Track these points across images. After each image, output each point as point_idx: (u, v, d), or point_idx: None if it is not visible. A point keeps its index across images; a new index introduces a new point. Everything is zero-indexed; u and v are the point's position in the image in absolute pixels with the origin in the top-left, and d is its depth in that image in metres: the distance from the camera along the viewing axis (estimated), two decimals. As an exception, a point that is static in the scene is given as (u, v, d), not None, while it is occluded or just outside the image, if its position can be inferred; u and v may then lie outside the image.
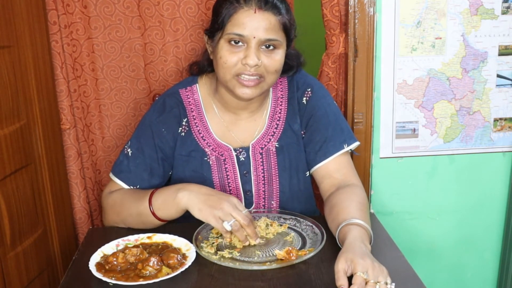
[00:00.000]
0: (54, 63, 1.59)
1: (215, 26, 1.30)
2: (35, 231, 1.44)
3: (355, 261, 1.04)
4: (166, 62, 1.74)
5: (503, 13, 1.70)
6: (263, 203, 1.45)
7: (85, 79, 1.73)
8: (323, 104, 1.44)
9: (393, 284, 1.03)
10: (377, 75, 1.72)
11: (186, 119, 1.44)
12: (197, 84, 1.47)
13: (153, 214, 1.31)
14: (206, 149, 1.42)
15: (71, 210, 1.69)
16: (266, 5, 1.25)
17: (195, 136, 1.43)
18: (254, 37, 1.25)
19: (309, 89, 1.45)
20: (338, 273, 1.05)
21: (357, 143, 1.45)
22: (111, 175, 1.45)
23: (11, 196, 1.32)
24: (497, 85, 1.77)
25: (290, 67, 1.42)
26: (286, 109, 1.45)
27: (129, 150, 1.43)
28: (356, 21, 1.65)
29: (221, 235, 1.30)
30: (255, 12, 1.25)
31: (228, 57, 1.28)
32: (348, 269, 1.06)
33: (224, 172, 1.42)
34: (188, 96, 1.45)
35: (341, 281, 1.03)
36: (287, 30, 1.30)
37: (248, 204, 1.44)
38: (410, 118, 1.77)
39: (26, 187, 1.40)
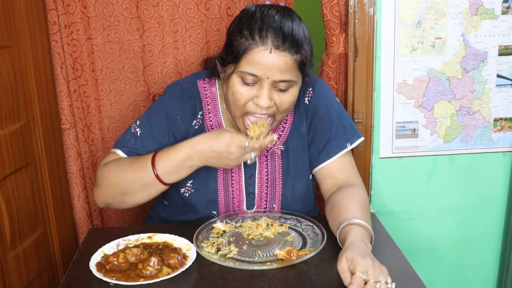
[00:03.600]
0: (54, 63, 1.59)
1: (228, 58, 1.26)
2: (35, 231, 1.44)
3: (356, 261, 1.04)
4: (165, 64, 1.74)
5: (503, 13, 1.70)
6: (265, 205, 1.44)
7: (86, 79, 1.73)
8: (324, 103, 1.43)
9: (394, 284, 1.03)
10: (377, 75, 1.72)
11: (201, 112, 1.40)
12: (216, 79, 1.42)
13: (160, 180, 1.28)
14: None
15: (71, 210, 1.69)
16: (284, 44, 1.19)
17: (207, 130, 1.40)
18: (268, 78, 1.21)
19: (310, 89, 1.43)
20: (344, 273, 1.05)
21: (360, 140, 1.44)
22: (113, 150, 1.38)
23: (11, 196, 1.32)
24: (497, 85, 1.77)
25: None
26: (293, 112, 1.43)
27: (137, 129, 1.37)
28: (356, 21, 1.65)
29: (221, 235, 1.31)
30: (270, 52, 1.19)
31: (241, 96, 1.25)
32: (349, 268, 1.06)
33: (230, 172, 1.40)
34: (206, 88, 1.42)
35: (349, 280, 1.04)
36: (304, 66, 1.25)
37: (249, 206, 1.44)
38: (410, 118, 1.77)
39: (26, 187, 1.40)
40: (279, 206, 1.44)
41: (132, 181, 1.30)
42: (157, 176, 1.28)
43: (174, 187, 1.38)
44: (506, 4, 1.69)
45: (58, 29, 1.60)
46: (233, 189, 1.42)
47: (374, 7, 1.65)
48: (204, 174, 1.39)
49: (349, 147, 1.41)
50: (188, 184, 1.40)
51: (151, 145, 1.36)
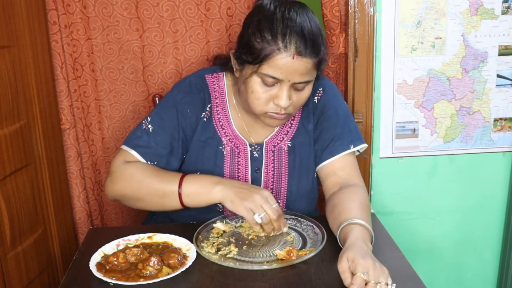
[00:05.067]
0: (54, 63, 1.59)
1: (248, 58, 1.27)
2: (35, 231, 1.44)
3: (356, 261, 1.04)
4: (165, 64, 1.74)
5: (503, 13, 1.70)
6: None
7: (86, 79, 1.73)
8: (334, 103, 1.45)
9: (394, 284, 1.03)
10: (377, 75, 1.72)
11: (209, 105, 1.42)
12: (224, 73, 1.45)
13: (180, 199, 1.30)
14: (223, 139, 1.42)
15: (71, 210, 1.69)
16: (306, 49, 1.22)
17: (214, 123, 1.42)
18: (289, 81, 1.25)
19: (320, 89, 1.46)
20: (344, 273, 1.05)
21: (364, 145, 1.45)
22: (125, 147, 1.39)
23: (11, 196, 1.32)
24: (497, 85, 1.77)
25: None
26: (301, 109, 1.45)
27: (149, 126, 1.39)
28: (356, 21, 1.65)
29: (221, 235, 1.31)
30: (293, 58, 1.22)
31: (262, 95, 1.28)
32: (350, 268, 1.06)
33: (236, 165, 1.42)
34: (214, 83, 1.44)
35: (349, 280, 1.03)
36: (320, 65, 1.30)
37: None
38: (410, 118, 1.77)
39: (26, 187, 1.40)
40: (284, 202, 1.45)
41: (155, 190, 1.33)
42: (179, 194, 1.30)
43: None
44: (506, 4, 1.69)
45: (58, 29, 1.60)
46: (239, 181, 1.42)
47: (374, 7, 1.65)
48: (211, 165, 1.41)
49: (353, 149, 1.42)
50: None
51: (164, 140, 1.38)
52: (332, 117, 1.44)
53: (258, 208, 1.23)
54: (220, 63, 1.45)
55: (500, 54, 1.74)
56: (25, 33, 1.40)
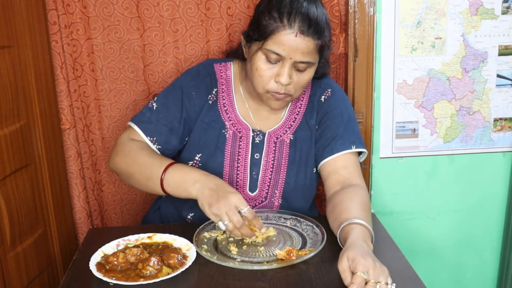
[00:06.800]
0: (54, 63, 1.59)
1: (255, 35, 1.34)
2: (35, 231, 1.44)
3: (357, 260, 1.04)
4: (165, 63, 1.74)
5: (503, 13, 1.70)
6: (267, 190, 1.46)
7: (85, 79, 1.73)
8: (339, 105, 1.48)
9: (394, 284, 1.03)
10: (377, 75, 1.72)
11: (216, 90, 1.48)
12: (231, 63, 1.52)
13: (162, 186, 1.32)
14: (226, 122, 1.46)
15: (71, 210, 1.69)
16: (309, 30, 1.28)
17: (219, 107, 1.47)
18: (291, 58, 1.30)
19: (329, 89, 1.50)
20: (344, 273, 1.06)
21: (364, 151, 1.46)
22: (130, 123, 1.45)
23: (11, 196, 1.32)
24: (497, 85, 1.77)
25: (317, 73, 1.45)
26: (306, 105, 1.49)
27: (154, 104, 1.46)
28: (356, 21, 1.65)
29: (223, 233, 1.31)
30: (296, 36, 1.28)
31: (264, 72, 1.33)
32: (350, 267, 1.06)
33: (237, 148, 1.45)
34: (221, 71, 1.51)
35: (349, 279, 1.04)
36: (323, 50, 1.35)
37: (252, 188, 1.45)
38: (410, 118, 1.78)
39: (26, 187, 1.40)
40: (281, 192, 1.46)
41: (143, 171, 1.36)
42: (161, 180, 1.31)
43: (184, 161, 1.45)
44: (506, 4, 1.69)
45: (58, 29, 1.60)
46: (238, 165, 1.45)
47: (374, 7, 1.65)
48: (213, 147, 1.44)
49: (354, 150, 1.42)
50: (197, 158, 1.44)
51: (166, 118, 1.43)
52: (336, 117, 1.46)
53: (223, 215, 1.21)
54: (232, 54, 1.53)
55: (500, 54, 1.74)
56: (25, 33, 1.40)
